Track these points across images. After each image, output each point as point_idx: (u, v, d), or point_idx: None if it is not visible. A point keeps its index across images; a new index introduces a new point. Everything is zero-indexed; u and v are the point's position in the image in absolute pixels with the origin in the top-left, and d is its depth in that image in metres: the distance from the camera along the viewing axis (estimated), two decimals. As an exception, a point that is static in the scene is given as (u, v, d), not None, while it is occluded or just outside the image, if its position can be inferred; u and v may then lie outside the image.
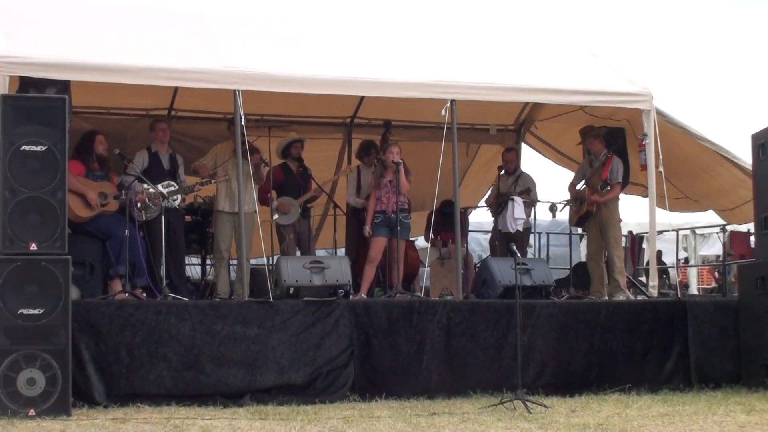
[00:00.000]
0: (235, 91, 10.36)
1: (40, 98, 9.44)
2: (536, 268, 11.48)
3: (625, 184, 12.84)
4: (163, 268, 10.86)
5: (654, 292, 11.93)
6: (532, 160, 15.57)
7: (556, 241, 16.49)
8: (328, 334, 10.16)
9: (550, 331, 10.83)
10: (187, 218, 12.59)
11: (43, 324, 8.75)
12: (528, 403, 9.15)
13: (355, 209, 12.72)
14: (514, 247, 10.29)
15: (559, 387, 10.64)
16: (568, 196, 12.81)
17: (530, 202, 13.08)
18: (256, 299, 10.23)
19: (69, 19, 10.90)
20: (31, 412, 8.59)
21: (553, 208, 12.77)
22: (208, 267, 13.05)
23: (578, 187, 12.72)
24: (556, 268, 14.33)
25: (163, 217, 10.81)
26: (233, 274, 12.57)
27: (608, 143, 12.59)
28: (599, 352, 10.98)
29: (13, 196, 8.87)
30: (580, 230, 14.33)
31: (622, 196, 12.76)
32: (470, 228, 15.54)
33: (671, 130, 12.07)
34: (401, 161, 11.45)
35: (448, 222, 12.71)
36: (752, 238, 14.58)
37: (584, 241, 14.76)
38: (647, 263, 13.32)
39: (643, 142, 11.60)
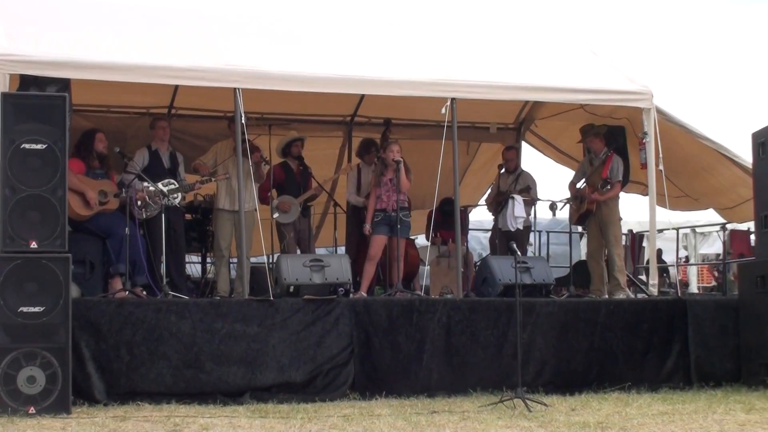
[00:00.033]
0: (235, 89, 10.35)
1: (41, 96, 9.44)
2: (536, 266, 11.49)
3: (626, 183, 12.84)
4: (163, 267, 10.86)
5: (654, 290, 11.93)
6: (532, 159, 15.59)
7: (557, 240, 16.50)
8: (328, 332, 10.16)
9: (550, 330, 10.83)
10: (188, 216, 12.60)
11: (43, 322, 8.76)
12: (528, 402, 9.15)
13: (356, 208, 12.72)
14: (515, 245, 10.28)
15: (559, 385, 10.64)
16: (568, 195, 12.82)
17: (530, 201, 13.09)
18: (257, 297, 10.22)
19: (69, 18, 10.91)
20: (31, 410, 8.59)
21: (553, 207, 12.78)
22: (208, 265, 13.05)
23: (578, 185, 12.72)
24: (556, 266, 14.32)
25: (163, 215, 10.82)
26: (233, 273, 12.58)
27: (608, 142, 12.60)
28: (599, 350, 10.98)
29: (13, 194, 8.87)
30: (580, 229, 14.33)
31: (622, 194, 12.77)
32: (470, 226, 15.53)
33: (671, 128, 12.07)
34: (401, 159, 11.46)
35: (448, 220, 12.72)
36: (752, 237, 14.58)
37: (584, 240, 14.77)
38: (647, 262, 13.32)
39: (644, 141, 11.61)
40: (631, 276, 13.63)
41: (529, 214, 13.15)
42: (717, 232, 17.78)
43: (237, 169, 10.71)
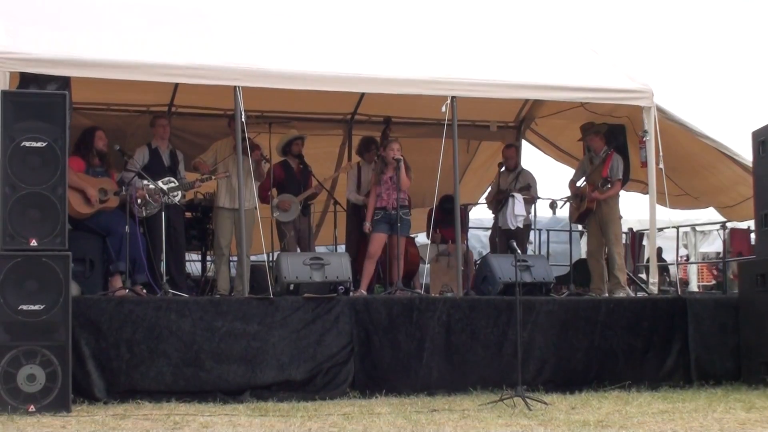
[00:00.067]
0: (235, 87, 10.35)
1: (41, 94, 9.44)
2: (536, 264, 11.48)
3: (626, 181, 12.84)
4: (163, 265, 10.86)
5: (654, 289, 11.94)
6: (532, 157, 15.58)
7: (557, 238, 16.50)
8: (328, 330, 10.16)
9: (550, 328, 10.83)
10: (188, 215, 12.58)
11: (43, 320, 8.76)
12: (528, 400, 9.15)
13: (356, 206, 12.72)
14: (515, 243, 10.29)
15: (559, 384, 10.64)
16: (568, 193, 12.82)
17: (530, 199, 13.08)
18: (257, 296, 10.23)
19: (70, 16, 10.89)
20: (31, 408, 8.60)
21: (553, 205, 12.78)
22: (208, 263, 13.04)
23: (578, 184, 12.72)
24: (557, 265, 14.31)
25: (163, 213, 10.81)
26: (233, 271, 12.57)
27: (608, 140, 12.59)
28: (599, 349, 10.98)
29: (13, 192, 8.87)
30: (580, 227, 14.33)
31: (622, 193, 12.77)
32: (470, 225, 15.54)
33: (671, 126, 12.07)
34: (401, 158, 11.45)
35: (448, 218, 12.73)
36: (752, 235, 14.58)
37: (584, 238, 14.76)
38: (647, 260, 13.32)
39: (644, 139, 11.60)
40: (631, 274, 13.63)
41: (529, 213, 13.14)
42: (717, 230, 17.80)
43: (237, 167, 10.70)
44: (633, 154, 12.76)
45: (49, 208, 8.92)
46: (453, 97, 10.96)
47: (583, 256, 14.26)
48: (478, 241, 18.90)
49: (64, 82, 9.91)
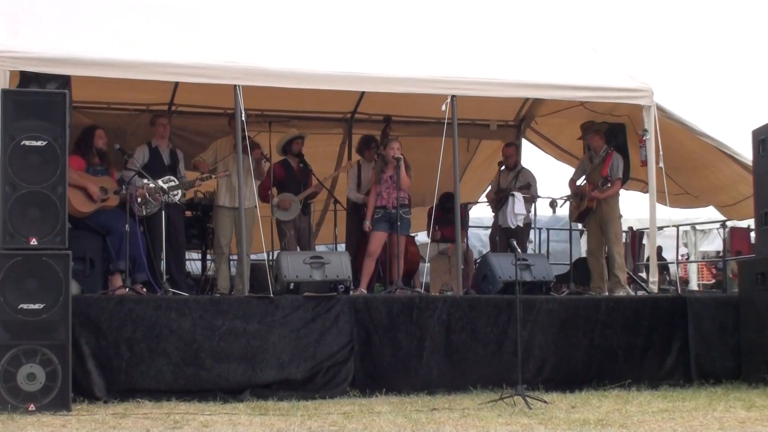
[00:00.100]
0: (235, 86, 10.35)
1: (41, 93, 9.45)
2: (536, 263, 11.48)
3: (626, 180, 12.84)
4: (163, 264, 10.85)
5: (654, 287, 11.93)
6: (532, 156, 15.58)
7: (557, 237, 16.49)
8: (329, 329, 10.16)
9: (550, 327, 10.83)
10: (188, 213, 12.59)
11: (43, 319, 8.76)
12: (528, 399, 9.16)
13: (356, 205, 12.72)
14: (515, 242, 10.29)
15: (559, 383, 10.64)
16: (568, 192, 12.81)
17: (530, 198, 13.08)
18: (257, 295, 10.23)
19: (70, 15, 10.89)
20: (31, 407, 8.60)
21: (553, 204, 12.77)
22: (208, 262, 13.05)
23: (578, 182, 12.72)
24: (557, 263, 14.31)
25: (163, 212, 10.80)
26: (233, 270, 12.58)
27: (608, 139, 12.59)
28: (599, 347, 10.98)
29: (13, 190, 8.87)
30: (580, 226, 14.33)
31: (622, 191, 12.77)
32: (470, 223, 15.54)
33: (671, 125, 12.07)
34: (402, 157, 11.45)
35: (447, 216, 12.74)
36: (752, 234, 14.58)
37: (584, 237, 14.76)
38: (647, 259, 13.32)
39: (644, 138, 11.60)
40: (631, 273, 13.63)
41: (529, 211, 13.13)
42: (717, 229, 17.77)
43: (237, 166, 10.70)
44: (633, 153, 12.76)
45: (49, 207, 8.93)
46: (453, 96, 10.96)
47: (583, 255, 14.26)
48: (478, 239, 18.91)
49: (65, 80, 9.91)
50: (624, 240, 14.36)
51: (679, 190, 13.89)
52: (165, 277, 10.60)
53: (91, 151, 10.93)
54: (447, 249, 13.39)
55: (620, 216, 12.62)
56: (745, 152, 12.25)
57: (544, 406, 9.27)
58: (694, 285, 21.05)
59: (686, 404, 9.61)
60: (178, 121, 12.94)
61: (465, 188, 14.20)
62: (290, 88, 10.96)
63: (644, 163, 11.74)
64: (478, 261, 13.25)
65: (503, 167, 13.62)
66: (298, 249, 12.26)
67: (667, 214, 15.67)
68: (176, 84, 12.33)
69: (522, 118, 14.82)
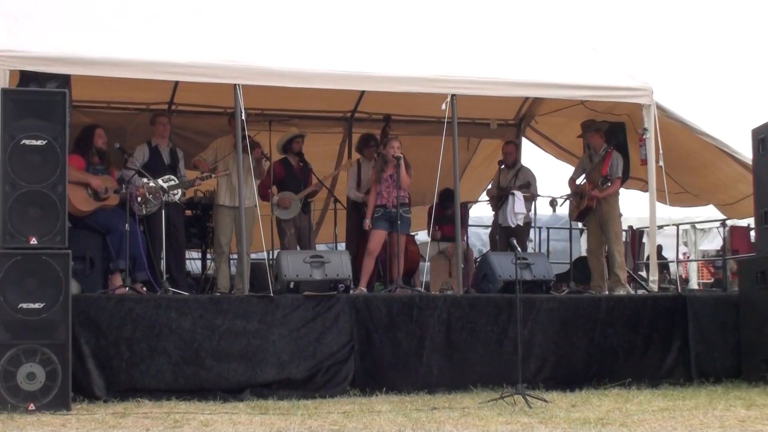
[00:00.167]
0: (235, 85, 10.35)
1: (41, 92, 9.45)
2: (536, 262, 11.47)
3: (626, 179, 12.83)
4: (163, 263, 10.85)
5: (654, 286, 11.93)
6: (532, 155, 15.57)
7: (557, 236, 16.48)
8: (329, 328, 10.16)
9: (550, 326, 10.83)
10: (188, 212, 12.59)
11: (43, 318, 8.75)
12: (528, 398, 9.16)
13: (356, 203, 12.72)
14: (515, 241, 10.29)
15: (559, 381, 10.65)
16: (568, 191, 12.81)
17: (530, 197, 13.08)
18: (257, 294, 10.23)
19: (70, 14, 10.88)
20: (31, 406, 8.60)
21: (553, 203, 12.76)
22: (208, 261, 13.05)
23: (578, 181, 12.71)
24: (557, 262, 14.30)
25: (163, 211, 10.80)
26: (233, 269, 12.58)
27: (608, 138, 12.59)
28: (599, 346, 10.98)
29: (13, 190, 8.87)
30: (580, 225, 14.33)
31: (622, 190, 12.76)
32: (470, 222, 15.53)
33: (671, 124, 12.07)
34: (402, 156, 11.45)
35: (447, 214, 12.75)
36: (752, 233, 14.57)
37: (584, 236, 14.75)
38: (647, 258, 13.32)
39: (644, 137, 11.60)
40: (631, 272, 13.63)
41: (529, 210, 13.13)
42: (717, 228, 17.77)
43: (237, 165, 10.70)
44: (633, 151, 12.75)
45: (49, 206, 8.92)
46: (453, 95, 10.97)
47: (583, 253, 14.25)
48: (478, 238, 18.90)
49: (64, 80, 9.91)
50: (624, 239, 14.35)
51: (679, 189, 13.89)
52: (165, 276, 10.60)
53: (90, 151, 10.92)
54: (447, 248, 13.39)
55: (620, 215, 12.62)
56: (745, 151, 12.26)
57: (545, 405, 9.27)
58: (694, 284, 21.04)
59: (686, 403, 9.60)
60: (178, 121, 12.94)
61: (465, 187, 14.19)
62: (290, 88, 10.97)
63: (644, 162, 11.75)
64: (478, 260, 13.24)
65: (503, 166, 13.62)
66: (298, 248, 12.26)
67: (667, 212, 15.69)
68: (176, 83, 12.33)
69: (522, 117, 14.82)
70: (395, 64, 11.23)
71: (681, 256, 19.82)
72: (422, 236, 15.05)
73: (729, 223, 16.18)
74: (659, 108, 11.79)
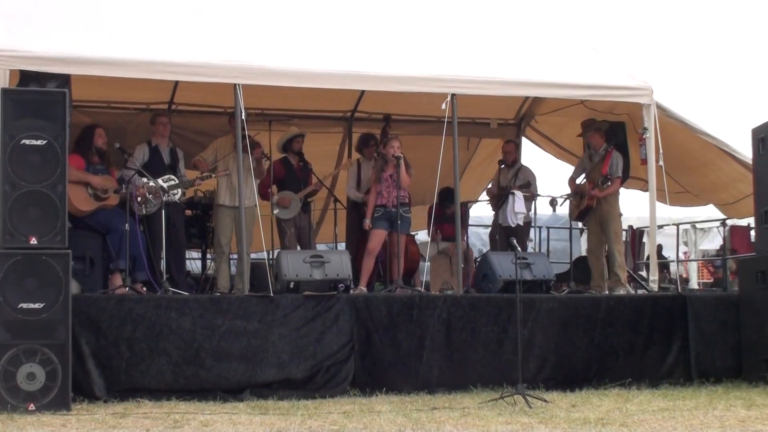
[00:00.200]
0: (235, 85, 10.35)
1: (41, 92, 9.45)
2: (536, 262, 11.48)
3: (626, 179, 12.84)
4: (163, 263, 10.85)
5: (654, 286, 11.93)
6: (532, 155, 15.56)
7: (557, 236, 16.48)
8: (329, 328, 10.16)
9: (550, 326, 10.83)
10: (188, 212, 12.58)
11: (43, 318, 8.75)
12: (528, 398, 9.15)
13: (356, 203, 12.73)
14: (515, 241, 10.28)
15: (559, 381, 10.65)
16: (568, 191, 12.80)
17: (530, 196, 13.07)
18: (257, 294, 10.23)
19: (69, 13, 10.88)
20: (31, 406, 8.60)
21: (553, 203, 12.76)
22: (208, 261, 13.04)
23: (578, 181, 12.71)
24: (557, 262, 14.30)
25: (163, 211, 10.80)
26: (234, 269, 12.58)
27: (608, 138, 12.59)
28: (599, 346, 10.98)
29: (13, 190, 8.86)
30: (580, 224, 14.33)
31: (622, 190, 12.77)
32: (470, 222, 15.53)
33: (671, 124, 12.07)
34: (402, 155, 11.45)
35: (447, 213, 12.74)
36: (752, 233, 14.57)
37: (585, 236, 14.76)
38: (648, 257, 13.32)
39: (644, 137, 11.60)
40: (631, 272, 13.63)
41: (529, 210, 13.13)
42: (717, 227, 17.77)
43: (237, 165, 10.70)
44: (633, 151, 12.75)
45: (49, 206, 8.92)
46: (453, 95, 10.97)
47: (584, 253, 14.25)
48: (478, 238, 18.90)
49: (64, 79, 9.91)
50: (624, 238, 14.35)
51: (679, 189, 13.88)
52: (165, 276, 10.60)
53: (90, 150, 10.92)
54: (447, 247, 13.38)
55: (620, 214, 12.62)
56: (745, 150, 12.26)
57: (545, 405, 9.27)
58: (694, 283, 21.04)
59: (686, 403, 9.60)
60: (178, 120, 12.94)
61: (465, 187, 14.19)
62: (290, 87, 10.97)
63: (644, 162, 11.75)
64: (478, 260, 13.24)
65: (503, 165, 13.61)
66: (299, 247, 12.26)
67: (667, 212, 15.67)
68: (176, 83, 12.33)
69: (522, 116, 14.82)
70: (395, 63, 11.23)
71: (682, 256, 19.82)
72: (422, 236, 15.04)
73: (729, 222, 16.18)
74: (659, 107, 11.79)
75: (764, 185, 11.25)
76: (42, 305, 8.76)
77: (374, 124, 13.65)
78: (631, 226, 16.49)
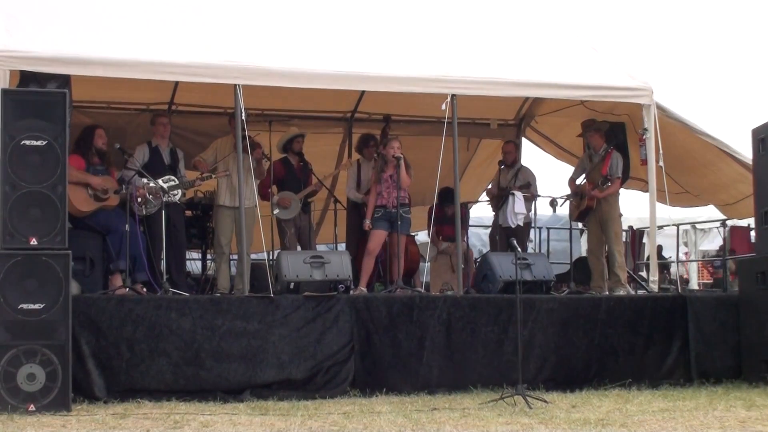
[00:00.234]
0: (235, 85, 10.35)
1: (41, 93, 9.45)
2: (537, 263, 11.47)
3: (626, 179, 12.83)
4: (163, 263, 10.85)
5: (654, 287, 11.93)
6: (532, 155, 15.56)
7: (557, 236, 16.48)
8: (329, 329, 10.15)
9: (550, 326, 10.83)
10: (188, 213, 12.58)
11: (43, 319, 8.75)
12: (528, 399, 9.15)
13: (356, 204, 12.72)
14: (515, 241, 10.28)
15: (559, 382, 10.65)
16: (568, 191, 12.80)
17: (530, 197, 13.07)
18: (257, 294, 10.23)
19: (70, 14, 10.88)
20: (31, 407, 8.59)
21: (553, 203, 12.75)
22: (208, 262, 13.04)
23: (578, 181, 12.71)
24: (557, 262, 14.30)
25: (163, 211, 10.80)
26: (234, 269, 12.57)
27: (608, 138, 12.58)
28: (600, 347, 10.98)
29: (13, 190, 8.86)
30: (580, 225, 14.33)
31: (622, 190, 12.76)
32: (470, 223, 15.52)
33: (671, 124, 12.07)
34: (402, 156, 11.45)
35: (447, 213, 12.73)
36: (752, 233, 14.57)
37: (585, 236, 14.76)
38: (648, 258, 13.32)
39: (644, 137, 11.60)
40: (631, 272, 13.63)
41: (529, 211, 13.12)
42: (717, 228, 17.77)
43: (237, 165, 10.69)
44: (633, 151, 12.75)
45: (49, 207, 8.92)
46: (453, 95, 10.97)
47: (584, 254, 14.25)
48: (479, 239, 18.89)
49: (64, 80, 9.91)
50: (624, 239, 14.34)
51: (679, 189, 13.88)
52: (165, 276, 10.60)
53: (90, 151, 10.92)
54: (448, 246, 13.38)
55: (620, 215, 12.62)
56: (745, 151, 12.25)
57: (545, 405, 9.27)
58: (694, 284, 21.04)
59: (687, 403, 9.60)
60: (178, 121, 12.93)
61: (465, 187, 14.19)
62: (290, 88, 10.97)
63: (644, 162, 11.75)
64: (478, 260, 13.24)
65: (503, 166, 13.61)
66: (299, 247, 12.26)
67: (668, 213, 15.66)
68: (176, 83, 12.33)
69: (522, 117, 14.81)
70: (395, 64, 11.23)
71: (682, 256, 19.82)
72: (422, 236, 15.03)
73: (729, 223, 16.18)
74: (659, 108, 11.79)
75: (764, 186, 11.25)
76: (42, 306, 8.75)
77: (374, 124, 13.65)
78: (631, 227, 16.49)
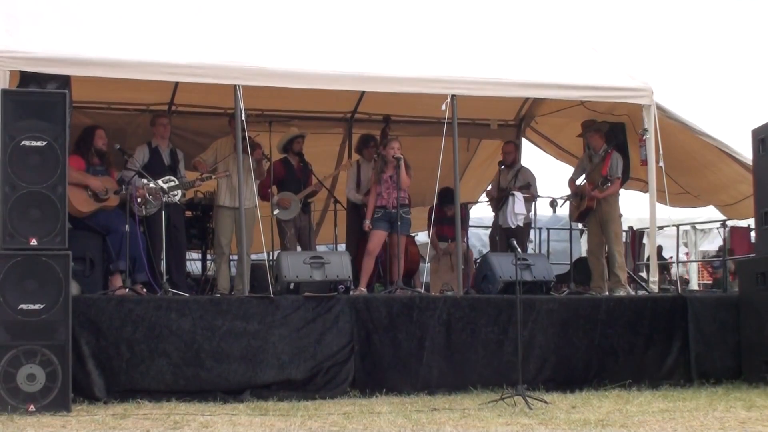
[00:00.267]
0: (235, 86, 10.35)
1: (41, 93, 9.44)
2: (537, 263, 11.47)
3: (626, 180, 12.83)
4: (163, 264, 10.85)
5: (654, 287, 11.93)
6: (532, 155, 15.56)
7: (557, 237, 16.49)
8: (329, 329, 10.15)
9: (550, 327, 10.83)
10: (188, 213, 12.58)
11: (43, 319, 8.75)
12: (528, 399, 9.15)
13: (356, 204, 12.71)
14: (515, 242, 10.28)
15: (559, 382, 10.65)
16: (568, 192, 12.80)
17: (530, 197, 13.06)
18: (257, 295, 10.22)
19: (70, 14, 10.88)
20: (31, 407, 8.59)
21: (553, 204, 12.75)
22: (208, 262, 13.04)
23: (578, 182, 12.71)
24: (557, 263, 14.31)
25: (163, 212, 10.80)
26: (234, 270, 12.57)
27: (608, 139, 12.58)
28: (600, 347, 10.98)
29: (13, 191, 8.86)
30: (580, 225, 14.33)
31: (622, 191, 12.76)
32: (470, 223, 15.52)
33: (672, 125, 12.07)
34: (401, 156, 11.44)
35: (446, 213, 12.73)
36: (752, 234, 14.58)
37: (585, 237, 14.76)
38: (648, 258, 13.32)
39: (644, 138, 11.60)
40: (631, 273, 13.63)
41: (529, 211, 13.12)
42: (717, 228, 17.78)
43: (237, 166, 10.69)
44: (633, 152, 12.75)
45: (49, 207, 8.92)
46: (453, 96, 10.96)
47: (584, 254, 14.25)
48: (479, 239, 18.89)
49: (64, 80, 9.90)
50: (624, 239, 14.35)
51: (679, 190, 13.89)
52: (165, 277, 10.60)
53: (90, 151, 10.92)
54: (448, 246, 13.38)
55: (620, 215, 12.62)
56: (745, 151, 12.25)
57: (545, 406, 9.26)
58: (694, 284, 21.04)
59: (687, 404, 9.60)
60: (179, 121, 12.93)
61: (465, 188, 14.20)
62: (290, 88, 10.97)
63: (644, 163, 11.75)
64: (478, 261, 13.24)
65: (503, 166, 13.61)
66: (299, 248, 12.26)
67: (668, 213, 15.66)
68: (176, 84, 12.33)
69: (522, 117, 14.81)
70: (395, 64, 11.23)
71: (682, 257, 19.82)
72: (422, 237, 15.03)
73: (729, 223, 16.18)
74: (659, 108, 11.79)
75: (764, 186, 11.25)
76: (42, 306, 8.75)
77: (374, 125, 13.65)
78: (631, 227, 16.50)
